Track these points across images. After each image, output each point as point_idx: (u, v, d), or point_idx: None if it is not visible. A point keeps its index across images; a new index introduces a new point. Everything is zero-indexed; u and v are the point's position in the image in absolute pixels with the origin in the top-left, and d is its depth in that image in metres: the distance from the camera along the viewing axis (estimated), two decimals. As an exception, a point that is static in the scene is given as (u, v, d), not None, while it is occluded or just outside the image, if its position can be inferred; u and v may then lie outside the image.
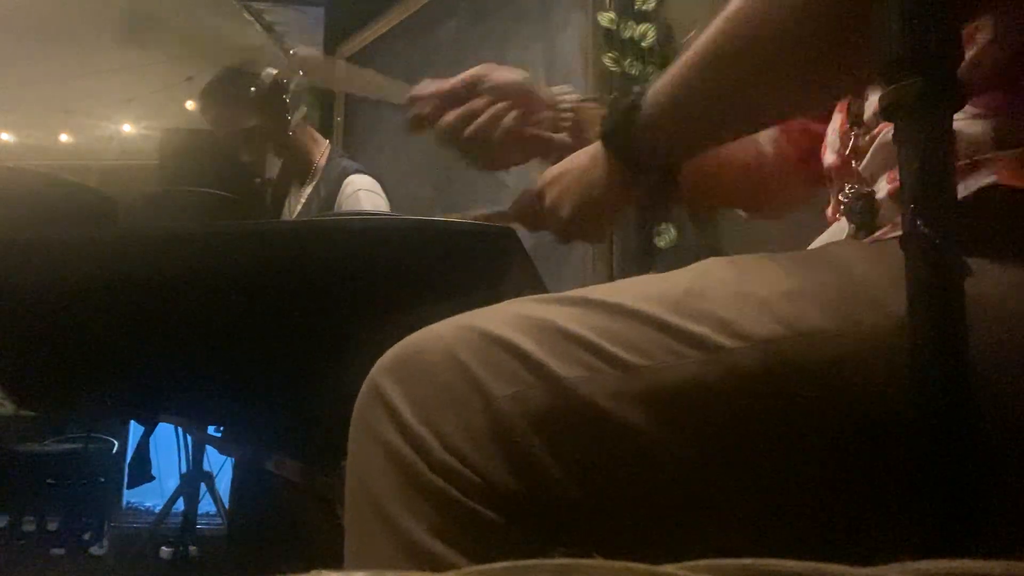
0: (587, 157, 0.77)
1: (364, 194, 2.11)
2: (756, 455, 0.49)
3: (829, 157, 0.73)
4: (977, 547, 0.36)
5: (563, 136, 0.84)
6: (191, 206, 1.19)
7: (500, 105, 0.82)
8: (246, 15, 3.72)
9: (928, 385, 0.39)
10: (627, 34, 2.12)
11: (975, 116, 0.56)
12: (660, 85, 0.66)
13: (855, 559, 0.27)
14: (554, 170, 0.80)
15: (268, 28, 3.77)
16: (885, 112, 0.43)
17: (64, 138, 5.44)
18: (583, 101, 0.86)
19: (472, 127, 0.82)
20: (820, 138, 0.76)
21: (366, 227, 1.10)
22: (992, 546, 0.30)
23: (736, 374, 0.49)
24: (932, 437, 0.39)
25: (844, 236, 0.66)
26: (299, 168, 2.24)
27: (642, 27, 2.10)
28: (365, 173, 2.18)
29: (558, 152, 0.84)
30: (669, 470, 0.50)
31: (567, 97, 0.86)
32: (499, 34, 2.72)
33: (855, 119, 0.67)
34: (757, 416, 0.49)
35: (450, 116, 0.83)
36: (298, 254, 1.03)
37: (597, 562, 0.25)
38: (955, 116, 0.56)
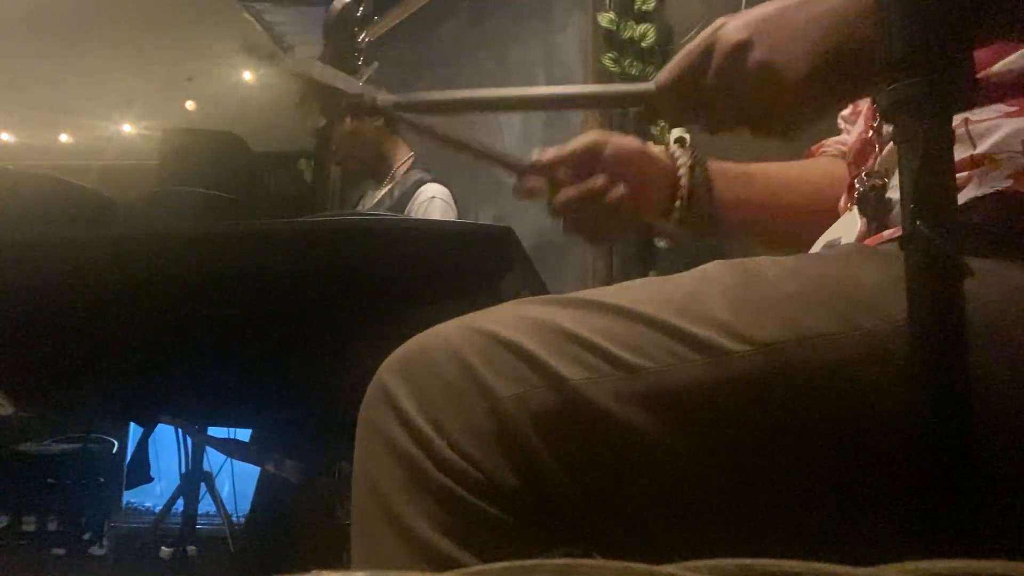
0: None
1: (438, 202, 2.14)
2: (757, 457, 0.50)
3: (852, 139, 0.73)
4: (976, 547, 0.36)
5: (673, 228, 0.84)
6: (191, 206, 1.19)
7: (619, 191, 0.80)
8: (246, 15, 3.72)
9: (928, 385, 0.39)
10: (627, 34, 2.12)
11: (1008, 115, 0.56)
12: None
13: (855, 559, 0.27)
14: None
15: (268, 28, 3.77)
16: (885, 112, 0.43)
17: (64, 138, 5.44)
18: (694, 160, 0.84)
19: (590, 213, 0.80)
20: None
21: (366, 228, 1.09)
22: (992, 546, 0.30)
23: (738, 377, 0.49)
24: (932, 439, 0.39)
25: (855, 231, 0.66)
26: (377, 170, 2.29)
27: (642, 27, 2.10)
28: (441, 184, 2.21)
29: (662, 233, 0.86)
30: (670, 471, 0.50)
31: (681, 160, 0.84)
32: (499, 34, 2.72)
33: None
34: (758, 419, 0.49)
35: (570, 193, 0.81)
36: (297, 255, 1.03)
37: (597, 562, 0.25)
38: (989, 113, 0.55)
